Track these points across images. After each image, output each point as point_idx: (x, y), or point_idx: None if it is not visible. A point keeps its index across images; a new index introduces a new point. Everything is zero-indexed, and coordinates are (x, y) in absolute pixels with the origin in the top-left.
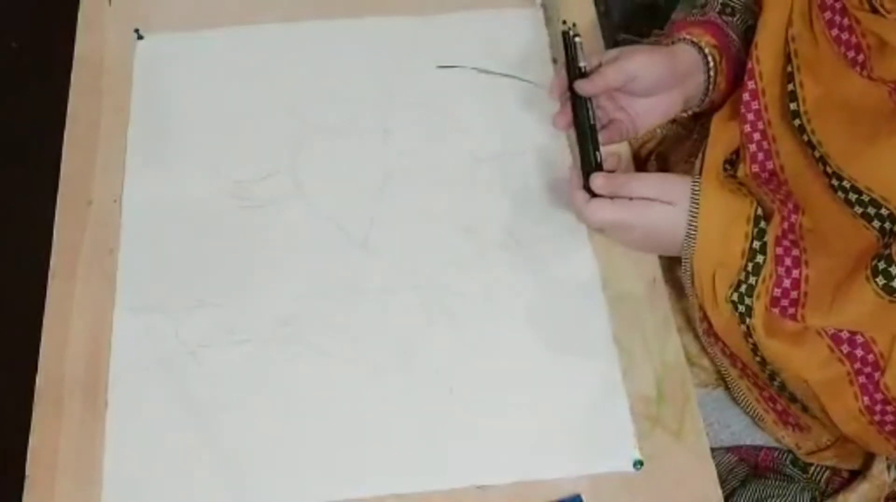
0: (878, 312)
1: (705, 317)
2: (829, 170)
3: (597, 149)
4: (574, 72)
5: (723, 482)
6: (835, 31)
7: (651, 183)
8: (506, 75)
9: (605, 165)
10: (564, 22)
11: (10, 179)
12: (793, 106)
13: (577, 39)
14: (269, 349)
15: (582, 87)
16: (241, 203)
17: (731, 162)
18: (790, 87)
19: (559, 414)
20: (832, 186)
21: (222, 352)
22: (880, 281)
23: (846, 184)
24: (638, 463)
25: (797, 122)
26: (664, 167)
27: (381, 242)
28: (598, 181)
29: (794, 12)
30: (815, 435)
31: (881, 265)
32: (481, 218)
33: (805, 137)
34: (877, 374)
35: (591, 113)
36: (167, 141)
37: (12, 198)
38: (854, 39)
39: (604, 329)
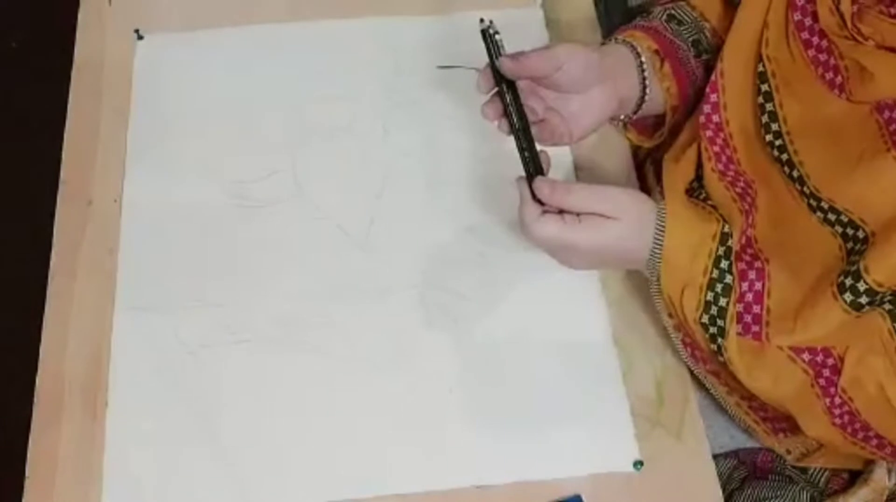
0: (843, 328)
1: (684, 338)
2: (806, 189)
3: (533, 151)
4: (496, 69)
5: (722, 483)
6: (812, 52)
7: (597, 197)
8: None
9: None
10: (482, 20)
11: (10, 180)
12: (774, 127)
13: (497, 36)
14: (268, 349)
15: (505, 64)
16: (241, 203)
17: (690, 189)
18: (769, 107)
19: (559, 414)
20: (810, 206)
21: (222, 352)
22: (848, 297)
23: (824, 204)
24: (638, 464)
25: (779, 142)
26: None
27: (381, 242)
28: (544, 190)
29: (769, 30)
30: (802, 438)
31: (848, 281)
32: (481, 218)
33: (785, 156)
34: (835, 378)
35: (517, 110)
36: (167, 141)
37: (12, 199)
38: (832, 61)
39: (604, 329)
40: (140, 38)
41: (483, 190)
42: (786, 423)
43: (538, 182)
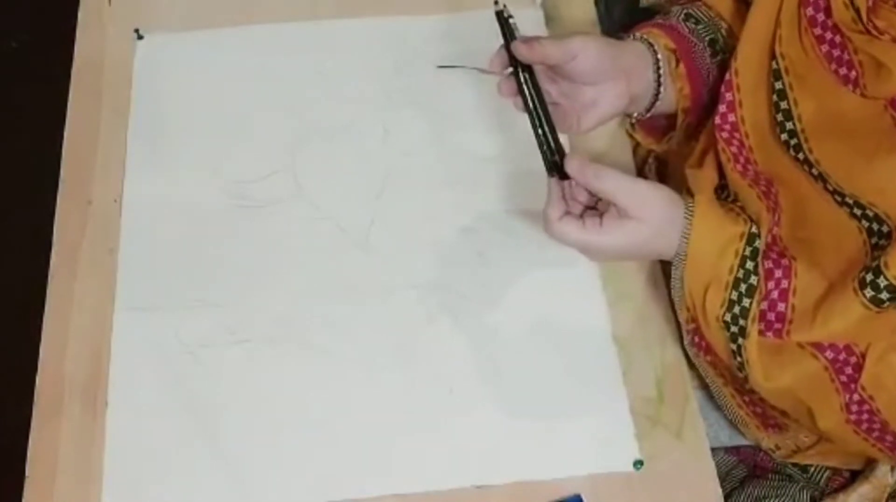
0: (862, 323)
1: (695, 328)
2: (829, 186)
3: (553, 130)
4: (511, 52)
5: (722, 482)
6: (825, 48)
7: (625, 190)
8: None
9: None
10: (496, 2)
11: (10, 179)
12: (789, 125)
13: (511, 20)
14: (269, 349)
15: (520, 48)
16: (241, 203)
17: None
18: (784, 105)
19: (559, 414)
20: (836, 201)
21: (222, 352)
22: (868, 292)
23: (849, 199)
24: (638, 463)
25: (794, 140)
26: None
27: (381, 242)
28: (574, 164)
29: (781, 27)
30: (793, 434)
31: (869, 277)
32: (481, 218)
33: (801, 155)
34: (857, 375)
35: (536, 90)
36: (167, 141)
37: (12, 199)
38: (846, 57)
39: (604, 329)
40: (140, 38)
41: (483, 190)
42: (777, 420)
43: (569, 158)
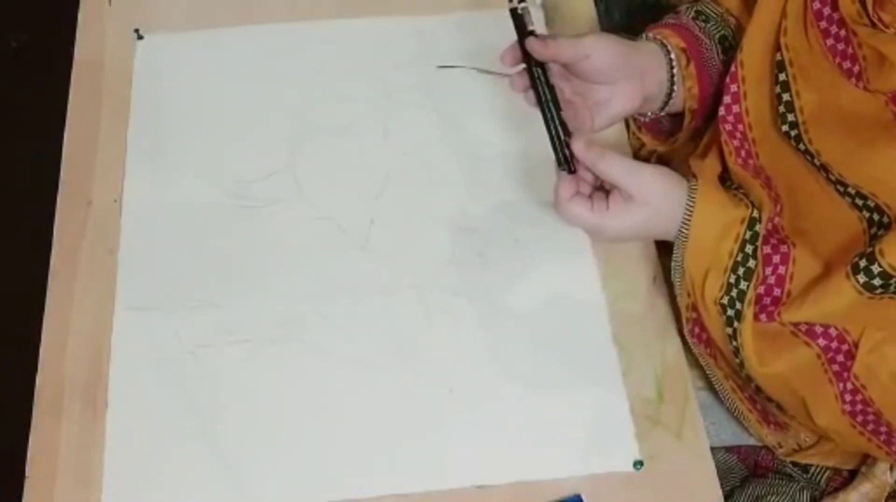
0: (854, 308)
1: (696, 318)
2: (831, 177)
3: (564, 125)
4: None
5: (722, 482)
6: (829, 41)
7: (628, 173)
8: (505, 75)
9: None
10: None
11: (10, 179)
12: (791, 117)
13: (526, 17)
14: (268, 349)
15: (533, 45)
16: (241, 203)
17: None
18: (786, 97)
19: (559, 414)
20: (838, 191)
21: (222, 352)
22: (861, 278)
23: (851, 189)
24: (638, 464)
25: (794, 132)
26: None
27: (381, 242)
28: (579, 145)
29: (787, 20)
30: (794, 432)
31: (863, 263)
32: (481, 218)
33: (802, 146)
34: (849, 363)
35: (548, 81)
36: (167, 141)
37: (12, 199)
38: (850, 50)
39: (604, 329)
40: (140, 38)
41: (483, 189)
42: (777, 418)
43: (575, 139)
